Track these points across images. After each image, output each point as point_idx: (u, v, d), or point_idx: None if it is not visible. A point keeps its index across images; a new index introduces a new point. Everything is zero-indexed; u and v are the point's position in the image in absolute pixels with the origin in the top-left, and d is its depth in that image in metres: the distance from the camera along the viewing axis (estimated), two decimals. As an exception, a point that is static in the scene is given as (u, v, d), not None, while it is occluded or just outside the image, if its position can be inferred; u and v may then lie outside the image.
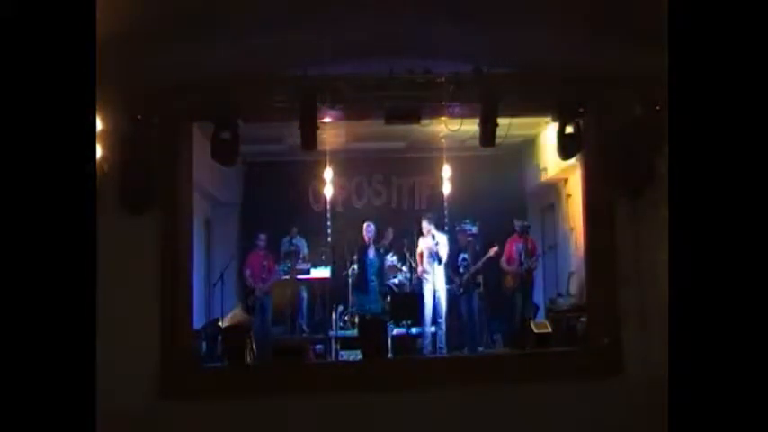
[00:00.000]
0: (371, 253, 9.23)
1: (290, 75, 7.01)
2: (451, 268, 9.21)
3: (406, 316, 8.93)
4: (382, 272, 9.36)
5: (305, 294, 10.48)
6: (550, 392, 6.99)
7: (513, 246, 9.22)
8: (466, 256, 9.19)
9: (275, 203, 11.06)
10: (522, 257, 9.11)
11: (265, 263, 9.54)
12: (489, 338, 9.36)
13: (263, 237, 9.64)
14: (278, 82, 7.17)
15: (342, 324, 9.47)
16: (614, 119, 7.38)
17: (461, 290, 9.07)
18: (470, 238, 9.62)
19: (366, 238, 9.26)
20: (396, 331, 8.91)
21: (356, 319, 9.58)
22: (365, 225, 9.37)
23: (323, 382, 7.21)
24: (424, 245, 9.23)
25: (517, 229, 9.31)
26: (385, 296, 9.48)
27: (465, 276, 9.06)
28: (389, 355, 8.06)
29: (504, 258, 9.18)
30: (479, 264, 9.11)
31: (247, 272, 9.52)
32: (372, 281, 9.11)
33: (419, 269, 9.18)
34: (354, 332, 9.12)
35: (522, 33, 6.60)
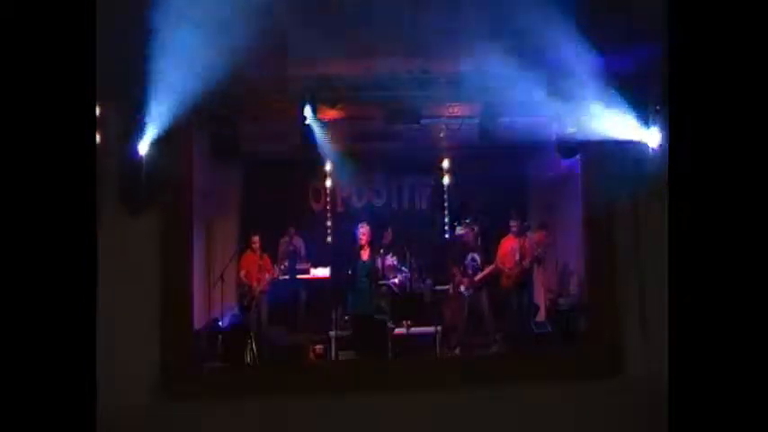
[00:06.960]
0: (364, 255, 9.19)
1: (290, 75, 7.01)
2: (460, 268, 9.17)
3: (406, 316, 8.91)
4: (372, 273, 9.30)
5: (304, 294, 10.47)
6: (550, 392, 6.99)
7: (509, 245, 9.19)
8: (476, 255, 9.15)
9: (275, 203, 11.05)
10: (519, 257, 9.07)
11: (261, 263, 9.54)
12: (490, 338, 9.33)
13: (256, 239, 9.65)
14: (278, 82, 7.17)
15: (341, 324, 9.45)
16: (614, 119, 7.39)
17: (470, 290, 9.03)
18: (479, 237, 9.57)
19: (360, 240, 9.20)
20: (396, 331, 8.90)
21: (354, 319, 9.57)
22: (360, 227, 9.34)
23: (323, 382, 7.21)
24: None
25: (513, 228, 9.27)
26: (381, 296, 9.44)
27: (475, 277, 9.02)
28: (389, 354, 8.04)
29: (498, 258, 9.13)
30: (487, 271, 9.02)
31: (242, 272, 9.53)
32: (363, 282, 9.10)
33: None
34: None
35: (521, 33, 6.60)
